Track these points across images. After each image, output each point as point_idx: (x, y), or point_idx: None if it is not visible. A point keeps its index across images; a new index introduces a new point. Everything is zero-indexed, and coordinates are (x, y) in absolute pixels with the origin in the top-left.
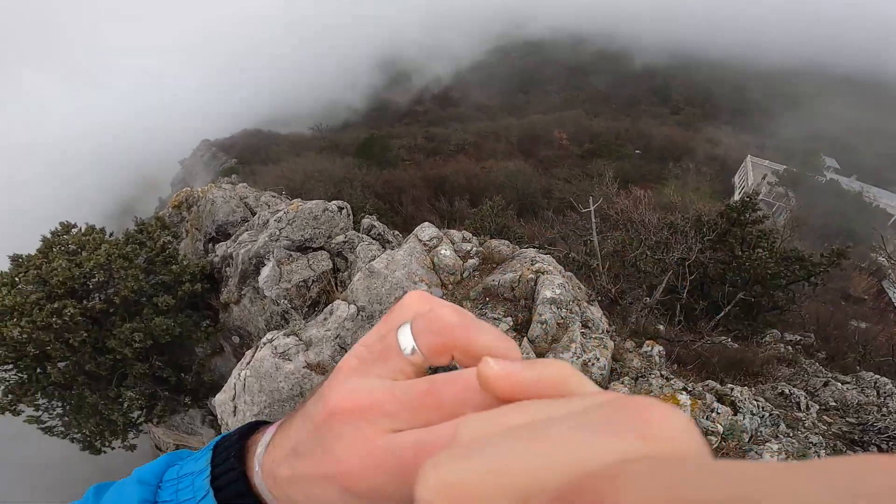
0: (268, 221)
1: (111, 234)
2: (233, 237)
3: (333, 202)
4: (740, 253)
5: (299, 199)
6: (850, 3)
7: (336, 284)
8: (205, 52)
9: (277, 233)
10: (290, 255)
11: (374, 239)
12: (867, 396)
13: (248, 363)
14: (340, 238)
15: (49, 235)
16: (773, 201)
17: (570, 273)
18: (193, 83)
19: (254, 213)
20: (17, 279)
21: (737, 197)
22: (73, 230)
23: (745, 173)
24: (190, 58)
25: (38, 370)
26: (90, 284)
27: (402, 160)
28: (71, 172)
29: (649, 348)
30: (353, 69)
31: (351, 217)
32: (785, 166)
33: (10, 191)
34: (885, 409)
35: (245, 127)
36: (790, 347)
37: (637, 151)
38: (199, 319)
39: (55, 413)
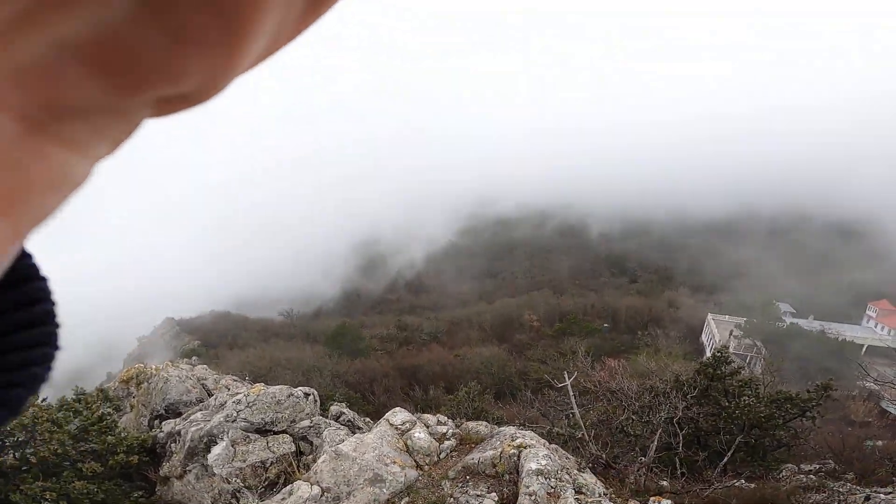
0: (225, 403)
1: (44, 399)
2: (184, 416)
3: (300, 388)
4: (727, 403)
5: (262, 384)
6: (772, 154)
7: (298, 467)
8: (176, 231)
9: (235, 414)
10: (248, 437)
11: (343, 425)
12: None
13: None
14: (306, 423)
15: None
16: (743, 353)
17: (555, 445)
18: (163, 261)
19: (211, 395)
20: None
21: (708, 354)
22: None
23: (711, 331)
24: (161, 235)
25: None
26: (7, 442)
27: (374, 349)
28: None
29: (657, 503)
30: (329, 256)
31: (318, 404)
32: (745, 318)
33: None
34: None
35: (213, 308)
36: (812, 476)
37: (605, 325)
38: (129, 490)
39: None
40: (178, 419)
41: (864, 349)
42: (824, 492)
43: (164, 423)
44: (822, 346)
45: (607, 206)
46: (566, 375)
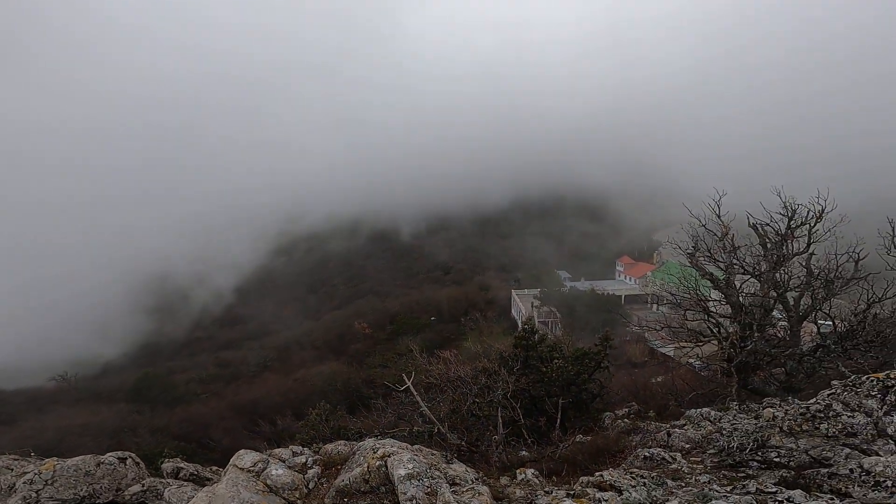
0: (14, 485)
1: None
2: None
3: (109, 454)
4: (544, 369)
5: (55, 458)
6: (532, 138)
7: None
8: None
9: (34, 496)
10: None
11: (185, 480)
12: (704, 428)
13: None
14: (136, 488)
15: None
16: (544, 319)
17: (417, 445)
18: None
19: None
20: None
21: (520, 327)
22: None
23: (517, 306)
24: None
25: None
26: None
27: (196, 394)
28: None
29: (523, 475)
30: (109, 302)
31: (141, 465)
32: (539, 289)
33: None
34: (724, 431)
35: None
36: (626, 420)
37: (433, 318)
38: None
39: None
40: None
41: (622, 299)
42: (639, 432)
43: None
44: (595, 301)
45: (412, 207)
46: (405, 377)
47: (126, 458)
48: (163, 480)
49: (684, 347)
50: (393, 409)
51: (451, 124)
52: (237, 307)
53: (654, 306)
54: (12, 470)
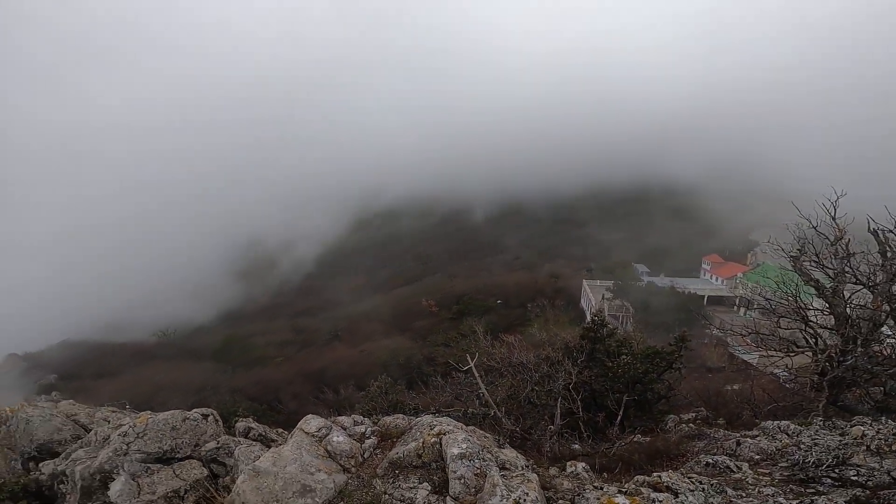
0: (109, 437)
1: None
2: (63, 454)
3: (195, 410)
4: (611, 364)
5: (148, 412)
6: (613, 128)
7: (217, 490)
8: (18, 257)
9: (125, 447)
10: (148, 468)
11: (254, 440)
12: (780, 441)
13: None
14: (212, 445)
15: None
16: (615, 313)
17: (472, 427)
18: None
19: (88, 430)
20: None
21: (588, 319)
22: None
23: (588, 296)
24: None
25: None
26: None
27: (271, 358)
28: None
29: (573, 467)
30: (207, 266)
31: (220, 423)
32: (612, 281)
33: None
34: (802, 445)
35: (65, 338)
36: (691, 425)
37: (499, 302)
38: None
39: None
40: (56, 459)
41: (705, 299)
42: (704, 438)
43: (41, 464)
44: (674, 299)
45: (487, 190)
46: (468, 358)
47: (208, 415)
48: (234, 439)
49: (772, 356)
50: (451, 388)
51: (531, 110)
52: (315, 277)
53: (742, 310)
54: (109, 422)
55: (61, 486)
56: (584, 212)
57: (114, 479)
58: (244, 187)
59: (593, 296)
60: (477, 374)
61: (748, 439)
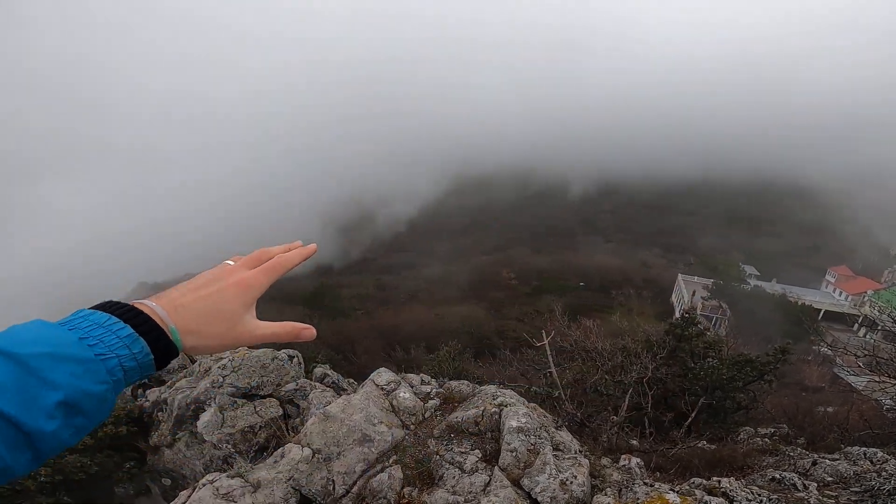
0: (210, 368)
1: None
2: (168, 383)
3: (283, 351)
4: (693, 365)
5: (245, 348)
6: (739, 120)
7: (287, 430)
8: (153, 189)
9: (221, 380)
10: (235, 402)
11: (328, 387)
12: (860, 466)
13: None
14: (291, 386)
15: None
16: (710, 314)
17: (533, 404)
18: (139, 222)
19: (193, 360)
20: None
21: (677, 314)
22: None
23: (680, 291)
24: (133, 196)
25: None
26: None
27: (354, 310)
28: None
29: (626, 461)
30: (311, 216)
31: (302, 366)
32: (712, 280)
33: None
34: (884, 472)
35: (187, 271)
36: (767, 440)
37: (581, 284)
38: (121, 461)
39: None
40: (162, 387)
41: (821, 314)
42: (777, 455)
43: (148, 391)
44: (783, 309)
45: (585, 166)
46: (544, 334)
47: (293, 357)
48: (311, 383)
49: (885, 382)
50: (518, 363)
51: (647, 87)
52: (404, 236)
53: (863, 330)
54: (211, 355)
55: (160, 413)
56: (692, 201)
57: (204, 411)
58: (354, 143)
59: (687, 292)
60: (549, 352)
61: (826, 461)
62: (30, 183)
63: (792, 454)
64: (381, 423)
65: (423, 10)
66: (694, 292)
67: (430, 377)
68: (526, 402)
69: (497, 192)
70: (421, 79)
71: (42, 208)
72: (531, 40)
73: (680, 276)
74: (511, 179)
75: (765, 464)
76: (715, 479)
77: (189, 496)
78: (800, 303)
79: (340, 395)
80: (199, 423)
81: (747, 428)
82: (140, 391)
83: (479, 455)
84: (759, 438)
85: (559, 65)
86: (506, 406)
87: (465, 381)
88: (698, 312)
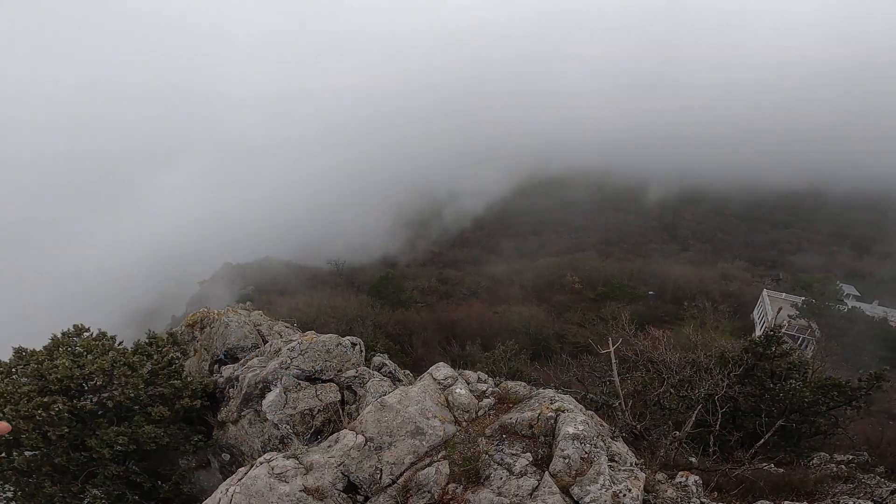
0: (280, 350)
1: (120, 343)
2: (241, 361)
3: (347, 338)
4: (772, 385)
5: (313, 332)
6: (843, 124)
7: (343, 415)
8: (240, 175)
9: (289, 361)
10: (299, 384)
11: (385, 376)
12: None
13: (240, 480)
14: (351, 372)
15: (59, 335)
16: (796, 334)
17: (590, 412)
18: (221, 208)
19: (265, 341)
20: (14, 370)
21: (758, 332)
22: (84, 333)
23: (764, 308)
24: (222, 183)
25: (3, 454)
26: (86, 386)
27: (415, 302)
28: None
29: (684, 479)
30: (384, 207)
31: (363, 354)
32: (803, 297)
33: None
34: None
35: (269, 255)
36: (843, 466)
37: (651, 293)
38: (190, 433)
39: (3, 497)
40: (236, 364)
41: None
42: (852, 483)
43: (223, 368)
44: (882, 333)
45: (667, 170)
46: (610, 341)
47: (356, 344)
48: (369, 371)
49: None
50: (576, 369)
51: (744, 86)
52: (471, 232)
53: None
54: (282, 336)
55: (231, 389)
56: (790, 213)
57: (270, 390)
58: (431, 138)
59: (772, 309)
60: (614, 360)
61: None
62: (133, 173)
63: (869, 482)
64: (435, 417)
65: (507, 8)
66: (780, 309)
67: (486, 375)
68: (584, 410)
69: (569, 193)
70: (499, 78)
71: (140, 197)
72: (622, 33)
73: (765, 292)
74: (584, 181)
75: (837, 491)
76: (785, 502)
77: (246, 473)
78: None
79: (396, 386)
80: (264, 403)
81: (822, 453)
82: (217, 366)
83: (530, 458)
84: (833, 465)
85: (650, 61)
86: (563, 411)
87: (523, 383)
88: (783, 331)
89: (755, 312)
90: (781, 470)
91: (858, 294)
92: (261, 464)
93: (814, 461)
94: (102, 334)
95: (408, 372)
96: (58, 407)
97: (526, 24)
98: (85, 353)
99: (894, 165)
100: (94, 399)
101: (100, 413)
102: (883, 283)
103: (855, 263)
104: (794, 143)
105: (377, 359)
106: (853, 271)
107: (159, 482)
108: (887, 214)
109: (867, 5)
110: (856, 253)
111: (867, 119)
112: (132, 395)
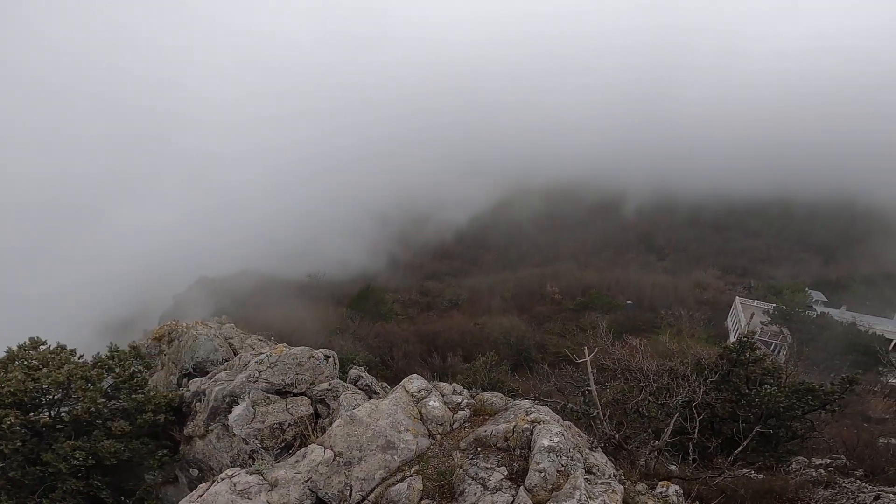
0: (248, 363)
1: (81, 356)
2: (209, 375)
3: (320, 350)
4: (747, 391)
5: (285, 344)
6: (810, 135)
7: (314, 430)
8: (215, 189)
9: (257, 374)
10: (268, 398)
11: (360, 389)
12: None
13: (201, 496)
14: (324, 385)
15: (15, 349)
16: (769, 340)
17: (568, 422)
18: (197, 221)
19: (236, 354)
20: None
21: (732, 339)
22: (41, 346)
23: (737, 315)
24: (198, 195)
25: None
26: (43, 399)
27: (395, 314)
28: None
29: (664, 489)
30: (364, 219)
31: (337, 367)
32: (774, 304)
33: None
34: None
35: (247, 266)
36: (822, 471)
37: (629, 302)
38: (155, 448)
39: None
40: (204, 378)
41: (893, 344)
42: (833, 488)
43: (190, 381)
44: (851, 338)
45: (643, 180)
46: (586, 351)
47: (330, 357)
48: (344, 384)
49: None
50: (556, 379)
51: (717, 101)
52: (452, 244)
53: None
54: (254, 349)
55: (198, 403)
56: (760, 222)
57: (238, 404)
58: (416, 148)
59: (745, 316)
60: (590, 370)
61: (890, 494)
62: (101, 201)
63: (850, 487)
64: (407, 430)
65: (496, 19)
66: (753, 315)
67: (462, 387)
68: (561, 421)
69: (550, 205)
70: (491, 92)
71: (117, 213)
72: (605, 51)
73: (738, 299)
74: (565, 193)
75: (818, 497)
76: None
77: (206, 489)
78: (870, 332)
79: (371, 399)
80: (230, 417)
81: (800, 458)
82: (185, 380)
83: (505, 472)
84: (812, 469)
85: (629, 78)
86: (539, 423)
87: (499, 394)
88: (756, 337)
89: (729, 320)
90: (762, 476)
91: (826, 300)
92: (222, 479)
93: (793, 466)
94: (61, 347)
95: (385, 384)
96: (10, 420)
97: (510, 40)
98: (40, 367)
99: (858, 175)
100: (51, 413)
101: (57, 427)
102: (851, 290)
103: (821, 270)
104: (763, 153)
105: (353, 371)
106: (820, 278)
107: (122, 497)
108: (852, 223)
109: (827, 24)
110: (822, 260)
111: (833, 131)
112: (91, 409)
